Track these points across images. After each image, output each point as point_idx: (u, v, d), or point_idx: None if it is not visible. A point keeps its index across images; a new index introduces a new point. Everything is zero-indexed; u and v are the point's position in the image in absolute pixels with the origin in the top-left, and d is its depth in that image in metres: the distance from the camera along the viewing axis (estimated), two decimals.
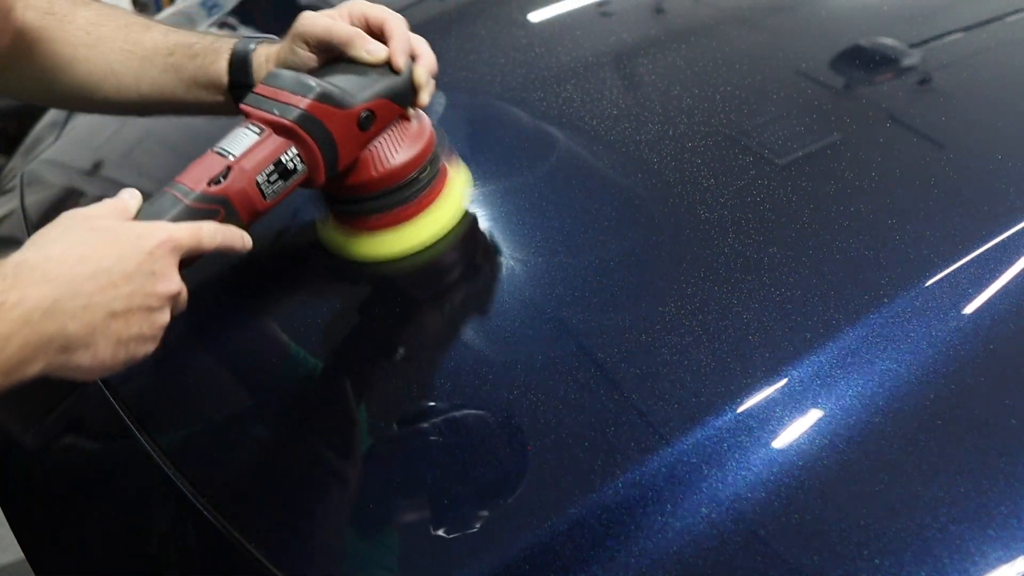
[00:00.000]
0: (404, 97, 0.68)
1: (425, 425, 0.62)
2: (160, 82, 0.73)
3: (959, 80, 0.83)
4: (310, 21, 0.67)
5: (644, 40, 0.96)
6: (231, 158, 0.60)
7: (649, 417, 0.57)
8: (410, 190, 0.70)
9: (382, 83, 0.66)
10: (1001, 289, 0.60)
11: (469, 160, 0.80)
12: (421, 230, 0.72)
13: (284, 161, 0.62)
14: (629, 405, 0.58)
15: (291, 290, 0.76)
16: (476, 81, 0.92)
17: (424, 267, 0.72)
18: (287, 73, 0.64)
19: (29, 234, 0.94)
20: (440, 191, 0.73)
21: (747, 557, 0.50)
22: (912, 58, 0.88)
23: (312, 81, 0.63)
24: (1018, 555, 0.48)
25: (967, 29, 0.91)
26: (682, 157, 0.76)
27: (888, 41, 0.89)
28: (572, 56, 0.93)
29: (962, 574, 0.47)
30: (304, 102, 0.62)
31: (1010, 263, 0.62)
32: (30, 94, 0.78)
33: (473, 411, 0.62)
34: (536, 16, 1.05)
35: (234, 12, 1.29)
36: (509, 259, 0.72)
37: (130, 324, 0.52)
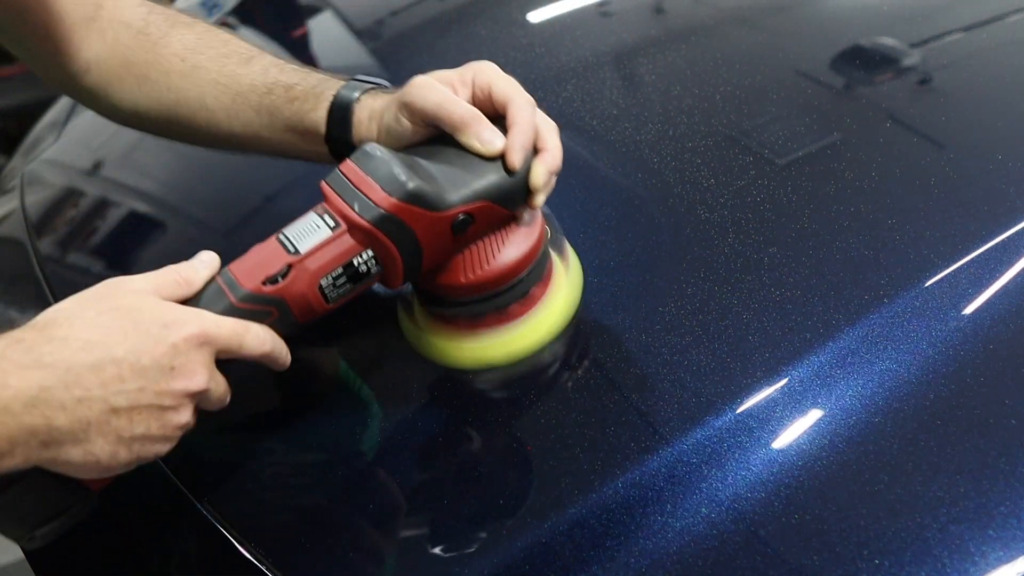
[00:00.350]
0: (512, 199, 0.58)
1: (425, 425, 0.62)
2: (255, 124, 0.67)
3: (959, 80, 0.83)
4: (421, 93, 0.58)
5: (644, 40, 0.96)
6: (295, 255, 0.53)
7: (649, 417, 0.57)
8: (508, 296, 0.61)
9: (487, 181, 0.56)
10: (1001, 289, 0.60)
11: None
12: (516, 338, 0.62)
13: (356, 265, 0.55)
14: (629, 405, 0.58)
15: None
16: None
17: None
18: (380, 156, 0.55)
19: (29, 233, 0.95)
20: (544, 292, 0.63)
21: (747, 557, 0.50)
22: (912, 58, 0.88)
23: (404, 175, 0.54)
24: (1018, 555, 0.48)
25: (967, 29, 0.91)
26: (682, 157, 0.76)
27: (888, 41, 0.89)
28: (572, 56, 0.93)
29: (962, 574, 0.47)
30: (389, 201, 0.53)
31: (1010, 263, 0.62)
32: (123, 118, 0.73)
33: (473, 411, 0.62)
34: (536, 16, 1.05)
35: (234, 12, 1.29)
36: None
37: (135, 423, 0.46)
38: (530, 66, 0.93)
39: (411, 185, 0.53)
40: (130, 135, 1.06)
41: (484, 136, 0.56)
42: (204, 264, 0.54)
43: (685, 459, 0.54)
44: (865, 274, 0.63)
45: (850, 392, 0.56)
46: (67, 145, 1.15)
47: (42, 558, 0.66)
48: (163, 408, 0.47)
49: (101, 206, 1.00)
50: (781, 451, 0.54)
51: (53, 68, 0.69)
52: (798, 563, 0.49)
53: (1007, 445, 0.52)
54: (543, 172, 0.57)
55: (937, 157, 0.74)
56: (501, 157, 0.57)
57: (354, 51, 1.09)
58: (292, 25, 1.21)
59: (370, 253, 0.55)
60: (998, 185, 0.69)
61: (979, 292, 0.60)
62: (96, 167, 1.06)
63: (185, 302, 0.52)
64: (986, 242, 0.63)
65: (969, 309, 0.60)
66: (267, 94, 0.66)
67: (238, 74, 0.67)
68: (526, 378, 0.62)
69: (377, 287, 0.59)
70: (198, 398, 0.50)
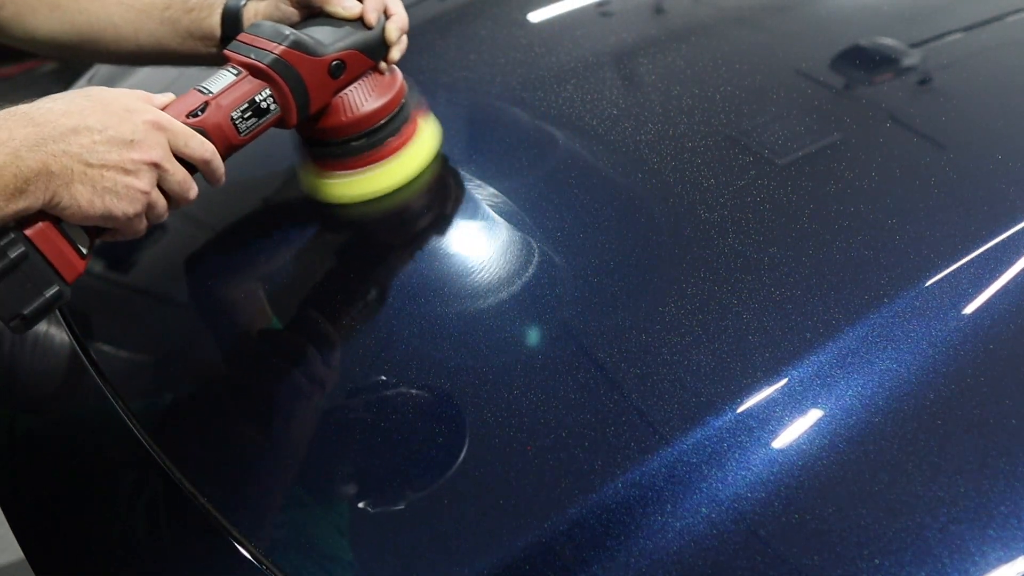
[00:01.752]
0: (374, 51, 0.75)
1: (425, 425, 0.62)
2: (157, 34, 0.79)
3: (959, 80, 0.83)
4: None
5: (644, 40, 0.96)
6: (209, 95, 0.65)
7: (649, 417, 0.57)
8: (377, 137, 0.76)
9: (353, 36, 0.73)
10: (1001, 289, 0.60)
11: (468, 159, 0.81)
12: (386, 175, 0.78)
13: (258, 100, 0.67)
14: (629, 405, 0.58)
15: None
16: (476, 81, 0.92)
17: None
18: (267, 23, 0.70)
19: None
20: (408, 140, 0.79)
21: (747, 557, 0.50)
22: (912, 58, 0.88)
23: (287, 30, 0.69)
24: (1018, 555, 0.48)
25: (967, 29, 0.91)
26: (682, 157, 0.76)
27: (888, 41, 0.89)
28: (572, 56, 0.93)
29: (962, 574, 0.47)
30: (279, 48, 0.68)
31: (1010, 263, 0.62)
32: (33, 43, 0.81)
33: (473, 411, 0.62)
34: (536, 16, 1.05)
35: None
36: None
37: (104, 177, 0.57)
38: (530, 66, 0.93)
39: (293, 37, 0.69)
40: None
41: (345, 3, 0.74)
42: (164, 95, 0.66)
43: (685, 459, 0.54)
44: (865, 274, 0.63)
45: (850, 392, 0.56)
46: None
47: (42, 558, 0.66)
48: (126, 171, 0.58)
49: None
50: (781, 451, 0.54)
51: None
52: (798, 563, 0.49)
53: (1007, 445, 0.52)
54: (394, 28, 0.76)
55: (937, 157, 0.74)
56: (361, 19, 0.74)
57: None
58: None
59: (268, 92, 0.68)
60: (998, 185, 0.69)
61: (979, 292, 0.60)
62: None
63: None
64: (986, 242, 0.63)
65: (969, 309, 0.60)
66: (167, 8, 0.79)
67: None
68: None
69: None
70: (157, 171, 0.61)
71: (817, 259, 0.65)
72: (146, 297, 0.84)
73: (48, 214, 0.56)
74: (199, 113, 0.65)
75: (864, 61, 0.87)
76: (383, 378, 0.66)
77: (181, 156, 0.62)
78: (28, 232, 0.56)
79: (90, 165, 0.56)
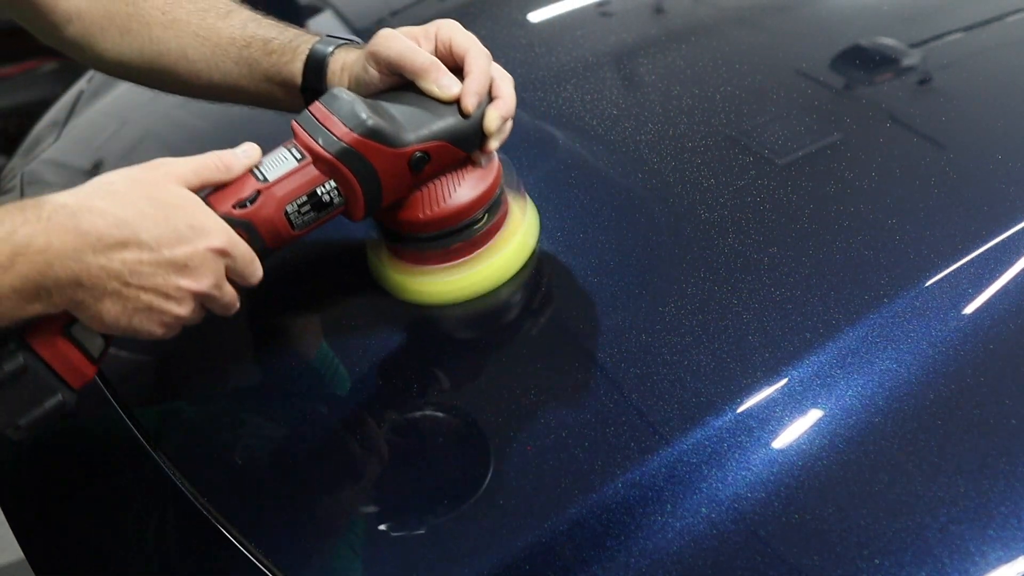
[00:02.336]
0: (467, 141, 0.63)
1: (425, 425, 0.62)
2: (233, 75, 0.71)
3: (959, 80, 0.83)
4: (385, 42, 0.63)
5: (644, 40, 0.96)
6: (263, 182, 0.58)
7: (649, 417, 0.57)
8: (463, 235, 0.66)
9: (443, 123, 0.61)
10: (1001, 289, 0.60)
11: None
12: (471, 277, 0.67)
13: (320, 194, 0.59)
14: (629, 405, 0.58)
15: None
16: None
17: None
18: (345, 97, 0.60)
19: None
20: (497, 234, 0.68)
21: (747, 557, 0.50)
22: (912, 58, 0.88)
23: (364, 113, 0.59)
24: (1018, 555, 0.48)
25: (967, 29, 0.91)
26: (682, 157, 0.76)
27: (888, 41, 0.89)
28: (572, 56, 0.93)
29: (962, 574, 0.47)
30: (351, 136, 0.58)
31: (1010, 263, 0.62)
32: (108, 68, 0.77)
33: (473, 411, 0.62)
34: (536, 16, 1.05)
35: None
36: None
37: (140, 299, 0.52)
38: (530, 66, 0.93)
39: (371, 122, 0.59)
40: (130, 135, 1.06)
41: (442, 82, 0.62)
42: (245, 154, 0.59)
43: (685, 459, 0.54)
44: (865, 274, 0.63)
45: (850, 392, 0.56)
46: (67, 145, 1.15)
47: (42, 558, 0.66)
48: (167, 296, 0.53)
49: None
50: (781, 451, 0.54)
51: (37, 19, 0.72)
52: (798, 563, 0.49)
53: (1007, 445, 0.52)
54: (495, 117, 0.63)
55: (937, 157, 0.74)
56: (458, 103, 0.62)
57: None
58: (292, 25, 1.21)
59: (333, 184, 0.60)
60: (998, 185, 0.69)
61: (979, 292, 0.60)
62: (96, 167, 1.06)
63: (217, 188, 0.58)
64: (986, 242, 0.63)
65: (969, 309, 0.60)
66: (246, 47, 0.70)
67: (218, 27, 0.71)
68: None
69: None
70: (202, 299, 0.55)
71: (817, 259, 0.65)
72: None
73: (61, 316, 0.52)
74: (248, 204, 0.57)
75: (864, 61, 0.87)
76: (383, 378, 0.66)
77: (235, 280, 0.57)
78: (33, 341, 0.52)
79: (128, 285, 0.51)
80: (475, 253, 0.67)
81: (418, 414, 0.63)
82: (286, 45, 0.70)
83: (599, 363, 0.62)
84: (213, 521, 0.59)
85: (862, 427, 0.54)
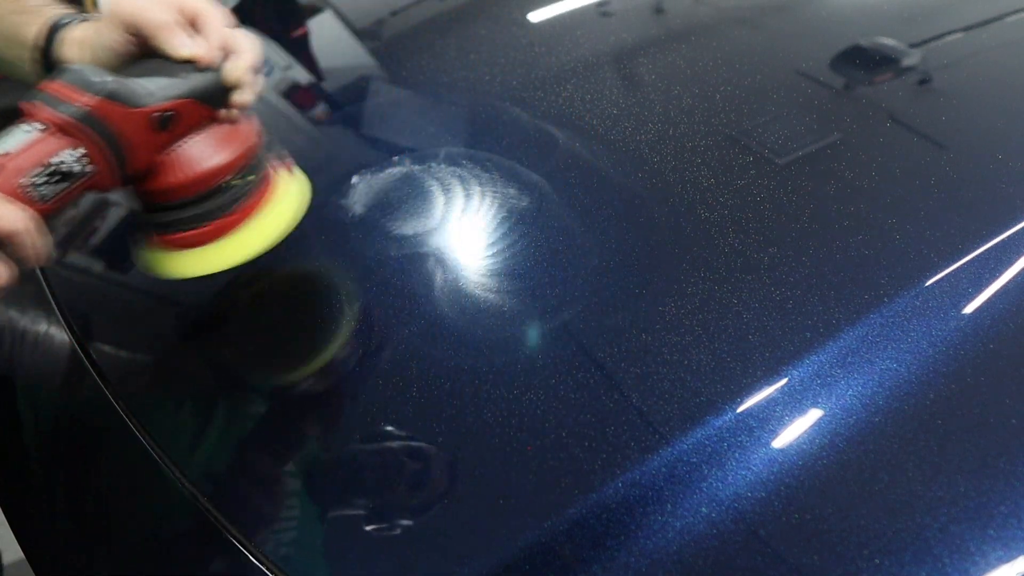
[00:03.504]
0: (213, 98, 0.63)
1: (425, 426, 0.62)
2: None
3: (959, 80, 0.83)
4: (121, 1, 0.62)
5: (644, 40, 0.96)
6: None
7: (649, 417, 0.57)
8: (219, 201, 0.64)
9: (186, 82, 0.61)
10: (1001, 289, 0.60)
11: (468, 156, 0.80)
12: (235, 247, 0.65)
13: (62, 162, 0.56)
14: (629, 405, 0.58)
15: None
16: (475, 81, 0.92)
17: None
18: (76, 68, 0.58)
19: None
20: (261, 202, 0.66)
21: (747, 557, 0.50)
22: (912, 58, 0.88)
23: (98, 77, 0.57)
24: (1018, 555, 0.48)
25: (967, 29, 0.91)
26: (682, 157, 0.76)
27: (888, 41, 0.89)
28: (572, 56, 0.93)
29: (962, 574, 0.47)
30: (88, 99, 0.56)
31: (1010, 263, 0.62)
32: None
33: (473, 411, 0.62)
34: (536, 16, 1.05)
35: (233, 12, 1.29)
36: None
37: None
38: (530, 66, 0.93)
39: (107, 84, 0.57)
40: None
41: (175, 42, 0.62)
42: None
43: (685, 459, 0.54)
44: (865, 274, 0.63)
45: (850, 392, 0.56)
46: None
47: (42, 558, 0.66)
48: None
49: (100, 205, 1.00)
50: (781, 451, 0.54)
51: None
52: (798, 563, 0.49)
53: (1007, 445, 0.52)
54: (233, 68, 0.63)
55: (937, 157, 0.74)
56: (197, 61, 0.62)
57: (354, 51, 1.09)
58: (292, 25, 1.22)
59: (81, 151, 0.57)
60: (998, 185, 0.69)
61: (979, 292, 0.61)
62: None
63: None
64: (986, 242, 0.63)
65: (969, 309, 0.60)
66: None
67: None
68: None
69: None
70: None
71: (817, 259, 0.65)
72: (146, 297, 0.84)
73: None
74: None
75: (864, 61, 0.87)
76: (382, 378, 0.66)
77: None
78: None
79: None
80: (242, 222, 0.65)
81: (418, 413, 0.63)
82: (35, 9, 0.67)
83: (599, 363, 0.62)
84: (214, 521, 0.59)
85: (862, 427, 0.54)
